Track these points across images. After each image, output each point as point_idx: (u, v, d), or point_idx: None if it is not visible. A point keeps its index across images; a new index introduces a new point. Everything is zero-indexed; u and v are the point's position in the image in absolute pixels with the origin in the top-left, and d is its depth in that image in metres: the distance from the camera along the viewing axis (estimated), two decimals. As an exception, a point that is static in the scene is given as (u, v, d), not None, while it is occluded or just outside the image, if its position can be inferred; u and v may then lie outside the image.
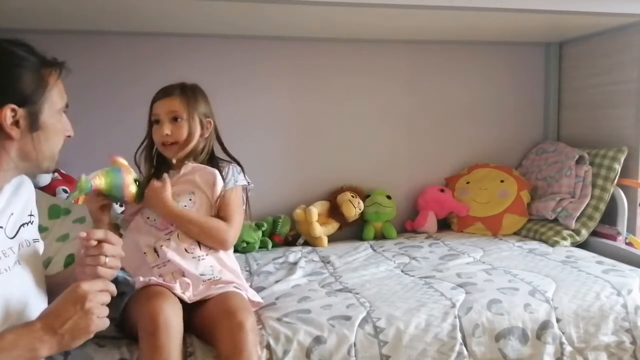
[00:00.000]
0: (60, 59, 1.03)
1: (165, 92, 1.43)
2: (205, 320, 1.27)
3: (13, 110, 0.94)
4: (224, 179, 1.42)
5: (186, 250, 1.36)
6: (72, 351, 1.17)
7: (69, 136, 1.08)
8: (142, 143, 1.49)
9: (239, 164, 1.50)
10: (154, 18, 1.88)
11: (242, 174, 1.48)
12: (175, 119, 1.40)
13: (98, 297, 0.95)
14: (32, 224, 1.10)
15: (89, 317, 0.93)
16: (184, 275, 1.33)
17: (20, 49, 0.99)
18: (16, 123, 0.96)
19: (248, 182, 1.48)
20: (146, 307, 1.17)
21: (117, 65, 2.10)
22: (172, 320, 1.16)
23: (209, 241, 1.38)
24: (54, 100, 1.01)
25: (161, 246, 1.35)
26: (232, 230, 1.40)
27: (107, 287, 0.99)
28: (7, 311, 0.96)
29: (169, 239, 1.36)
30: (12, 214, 1.03)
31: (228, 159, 1.50)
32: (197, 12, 1.80)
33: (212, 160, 1.47)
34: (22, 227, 1.06)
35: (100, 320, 0.96)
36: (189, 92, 1.44)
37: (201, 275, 1.34)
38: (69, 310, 0.93)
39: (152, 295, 1.21)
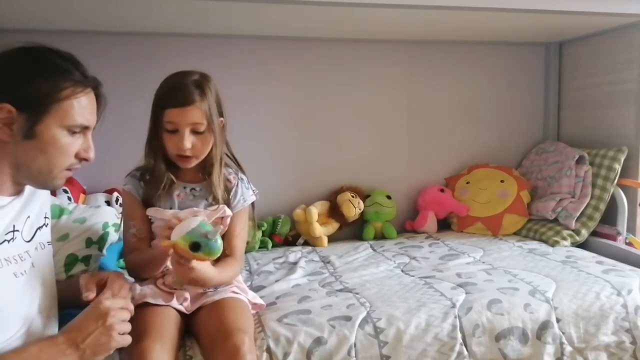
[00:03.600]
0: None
1: (183, 99, 1.25)
2: (202, 337, 1.24)
3: (9, 111, 0.92)
4: (233, 200, 1.37)
5: None
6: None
7: (85, 159, 1.02)
8: (134, 170, 1.37)
9: (242, 169, 1.43)
10: (153, 18, 1.88)
11: (249, 186, 1.42)
12: (196, 132, 1.27)
13: (119, 314, 0.98)
14: (46, 226, 1.10)
15: (110, 334, 0.96)
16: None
17: (56, 58, 0.97)
18: (10, 125, 0.93)
19: (255, 192, 1.44)
20: (136, 347, 1.09)
21: (116, 65, 2.10)
22: None
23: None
24: (65, 115, 0.96)
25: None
26: (240, 261, 1.39)
27: (127, 306, 1.03)
28: (22, 313, 0.97)
29: None
30: (28, 217, 1.02)
31: (233, 162, 1.43)
32: (195, 12, 1.80)
33: (222, 169, 1.37)
34: (38, 230, 1.05)
35: (121, 337, 0.98)
36: (208, 93, 1.28)
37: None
38: (91, 326, 0.95)
39: (145, 334, 1.13)
